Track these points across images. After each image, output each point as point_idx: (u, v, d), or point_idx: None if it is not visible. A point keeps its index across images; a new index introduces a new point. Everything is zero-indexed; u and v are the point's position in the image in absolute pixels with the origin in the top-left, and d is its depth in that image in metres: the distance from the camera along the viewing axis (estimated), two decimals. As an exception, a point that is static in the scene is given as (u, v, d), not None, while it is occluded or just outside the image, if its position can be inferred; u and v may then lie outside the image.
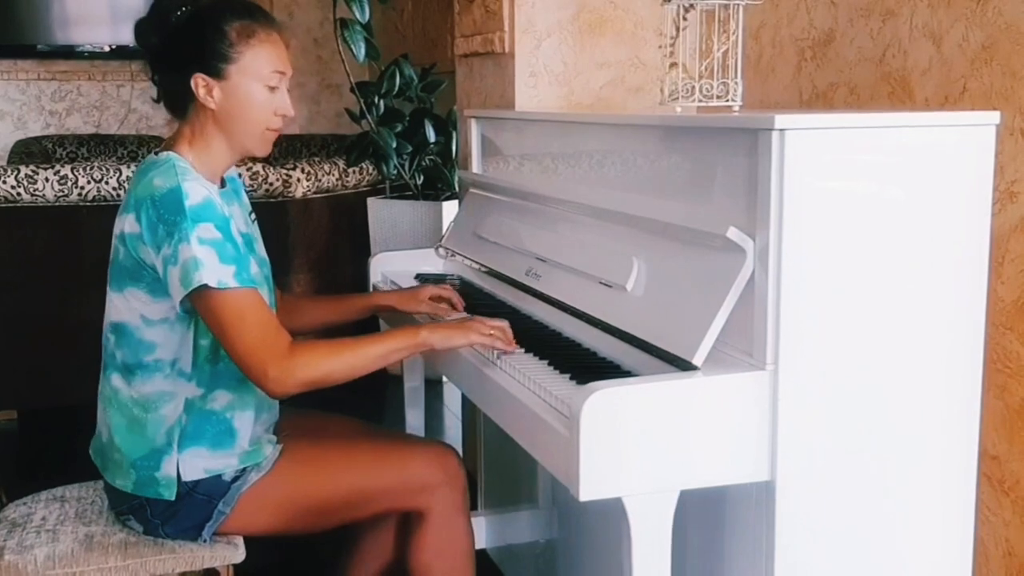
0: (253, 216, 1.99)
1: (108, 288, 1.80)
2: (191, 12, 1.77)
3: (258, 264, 1.83)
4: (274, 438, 1.89)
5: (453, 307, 2.09)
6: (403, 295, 2.13)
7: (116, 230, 1.76)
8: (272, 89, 1.80)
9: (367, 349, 1.73)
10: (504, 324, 1.79)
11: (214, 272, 1.65)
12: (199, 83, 1.75)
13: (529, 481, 2.44)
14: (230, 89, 1.76)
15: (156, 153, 1.79)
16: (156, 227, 1.67)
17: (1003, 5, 1.73)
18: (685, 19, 1.82)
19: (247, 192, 2.06)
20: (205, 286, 1.64)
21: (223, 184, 1.89)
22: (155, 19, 1.79)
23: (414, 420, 2.58)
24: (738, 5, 1.80)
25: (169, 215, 1.66)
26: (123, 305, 1.76)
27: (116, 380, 1.79)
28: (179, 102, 1.80)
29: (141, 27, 1.80)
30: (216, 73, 1.75)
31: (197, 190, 1.68)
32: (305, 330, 2.19)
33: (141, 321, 1.75)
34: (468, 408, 3.22)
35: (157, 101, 1.85)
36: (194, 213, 1.66)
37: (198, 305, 1.69)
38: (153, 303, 1.73)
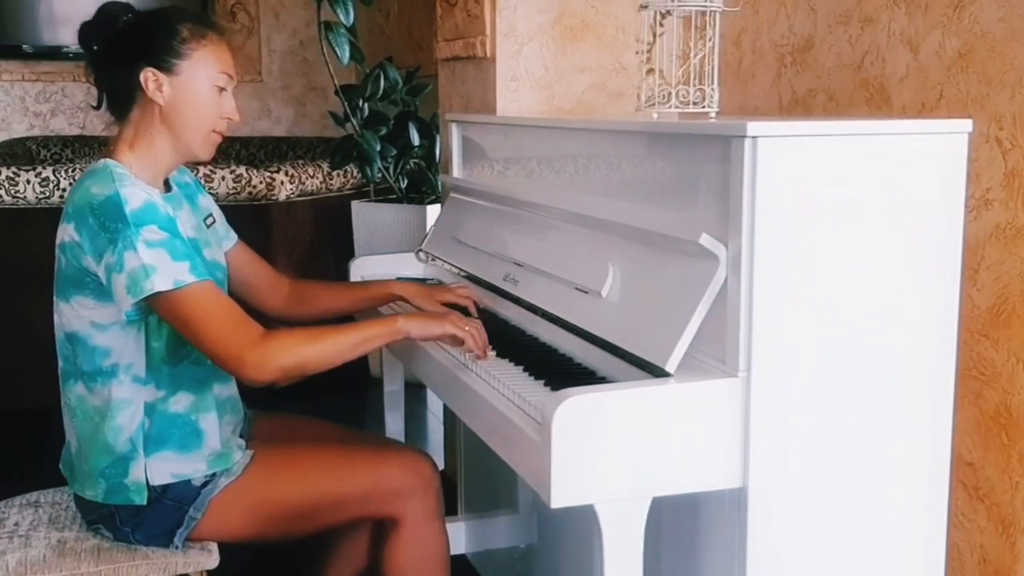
0: (211, 220, 1.98)
1: (55, 298, 1.78)
2: (140, 14, 1.80)
3: (208, 269, 1.82)
4: (243, 443, 1.89)
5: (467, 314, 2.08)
6: (421, 289, 2.11)
7: (57, 239, 1.75)
8: (220, 90, 1.80)
9: (344, 336, 1.73)
10: (478, 324, 1.81)
11: (168, 274, 1.64)
12: (149, 77, 1.75)
13: (509, 486, 2.44)
14: (180, 85, 1.76)
15: (97, 162, 1.78)
16: (97, 235, 1.66)
17: (979, 13, 1.74)
18: (662, 25, 1.82)
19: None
20: (159, 292, 1.64)
21: (168, 188, 1.88)
22: (101, 23, 1.79)
23: (394, 424, 2.58)
24: (715, 12, 1.80)
25: (110, 222, 1.65)
26: (72, 314, 1.75)
27: (79, 389, 1.78)
28: (124, 100, 1.79)
29: (86, 30, 1.80)
30: (167, 68, 1.75)
31: (136, 194, 1.68)
32: (316, 318, 2.13)
33: (92, 328, 1.74)
34: (449, 412, 3.21)
35: (97, 107, 1.84)
36: (136, 218, 1.65)
37: (158, 310, 1.69)
38: (101, 308, 1.72)
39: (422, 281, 2.51)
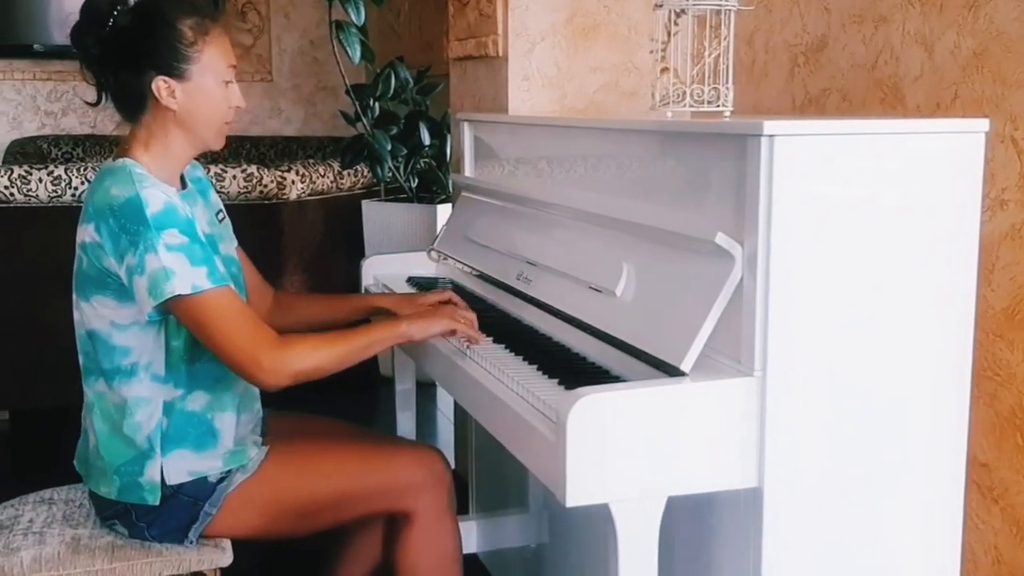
0: (221, 216, 1.98)
1: (75, 296, 1.79)
2: (134, 10, 1.76)
3: (224, 264, 1.82)
4: (259, 439, 1.89)
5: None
6: (401, 300, 2.12)
7: (78, 239, 1.75)
8: (227, 83, 1.80)
9: (352, 341, 1.78)
10: (472, 316, 1.90)
11: (187, 278, 1.65)
12: (161, 86, 1.74)
13: (520, 485, 2.44)
14: (192, 88, 1.76)
15: (113, 159, 1.77)
16: (118, 237, 1.67)
17: (994, 13, 1.73)
18: (676, 24, 1.81)
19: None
20: (179, 296, 1.64)
21: (184, 184, 1.88)
22: (92, 23, 1.76)
23: (405, 423, 2.58)
24: (729, 11, 1.80)
25: (131, 224, 1.66)
26: (92, 313, 1.75)
27: (100, 386, 1.79)
28: (134, 105, 1.78)
29: (78, 33, 1.77)
30: (178, 74, 1.74)
31: (156, 196, 1.68)
32: (297, 328, 2.17)
33: (111, 327, 1.74)
34: (460, 411, 3.21)
35: (95, 104, 1.82)
36: (157, 221, 1.66)
37: (177, 313, 1.70)
38: (121, 308, 1.73)
39: (433, 281, 2.52)
